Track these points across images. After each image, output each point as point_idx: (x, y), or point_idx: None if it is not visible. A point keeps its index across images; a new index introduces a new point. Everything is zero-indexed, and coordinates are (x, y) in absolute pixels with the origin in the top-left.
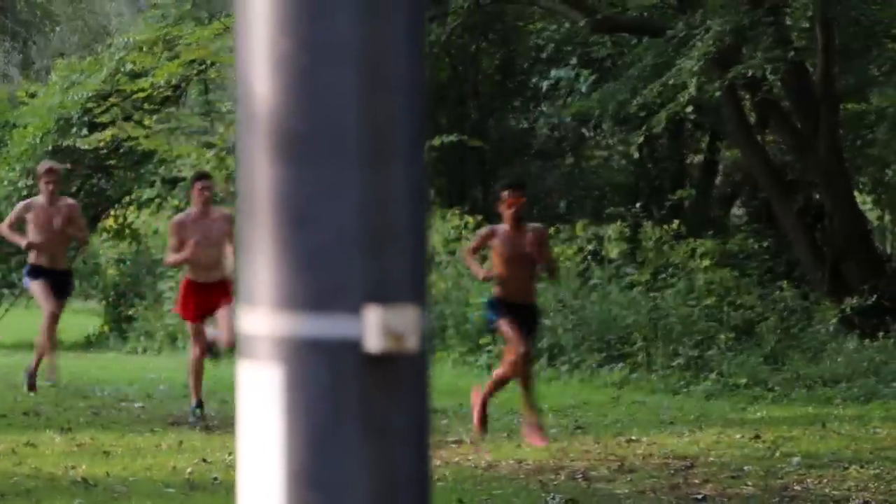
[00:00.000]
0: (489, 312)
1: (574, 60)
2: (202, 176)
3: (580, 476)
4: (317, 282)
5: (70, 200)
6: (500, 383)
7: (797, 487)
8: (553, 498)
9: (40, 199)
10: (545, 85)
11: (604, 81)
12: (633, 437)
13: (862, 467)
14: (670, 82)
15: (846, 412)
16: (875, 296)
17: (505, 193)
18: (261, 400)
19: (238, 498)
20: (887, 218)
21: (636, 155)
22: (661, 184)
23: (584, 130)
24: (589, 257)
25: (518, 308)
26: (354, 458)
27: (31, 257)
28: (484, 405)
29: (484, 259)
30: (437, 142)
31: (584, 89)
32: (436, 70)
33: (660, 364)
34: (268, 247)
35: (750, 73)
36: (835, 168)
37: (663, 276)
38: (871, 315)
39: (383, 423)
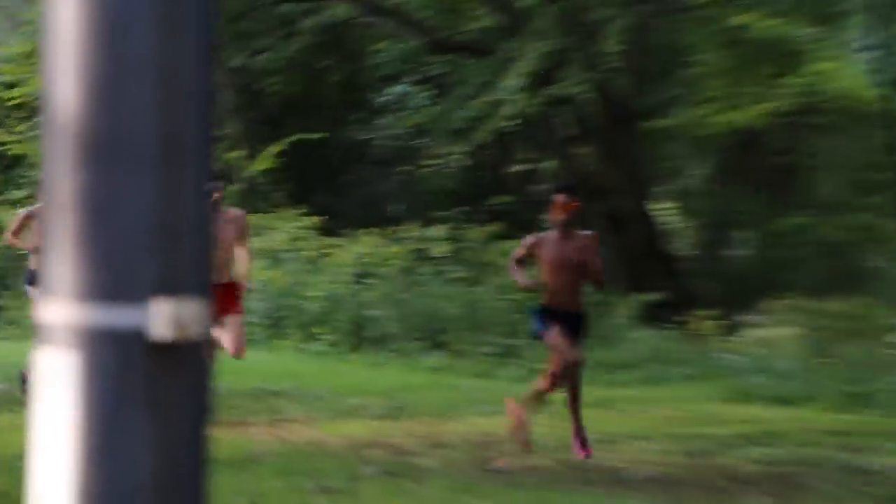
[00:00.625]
0: (535, 322)
1: (412, 77)
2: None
3: (397, 451)
4: (110, 276)
5: None
6: (540, 397)
7: (589, 461)
8: (370, 469)
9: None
10: (385, 99)
11: (438, 97)
12: (447, 417)
13: (647, 443)
14: (495, 98)
15: (636, 394)
16: (666, 292)
17: (557, 196)
18: (56, 383)
19: (32, 473)
20: (683, 223)
21: (464, 164)
22: (485, 190)
23: (419, 141)
24: (416, 256)
25: (566, 317)
26: (139, 437)
27: (33, 262)
28: (523, 424)
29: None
30: (279, 147)
31: (420, 104)
32: (287, 84)
33: (474, 352)
34: (67, 242)
35: (565, 92)
36: (636, 177)
37: (481, 273)
38: (662, 308)
39: (166, 406)
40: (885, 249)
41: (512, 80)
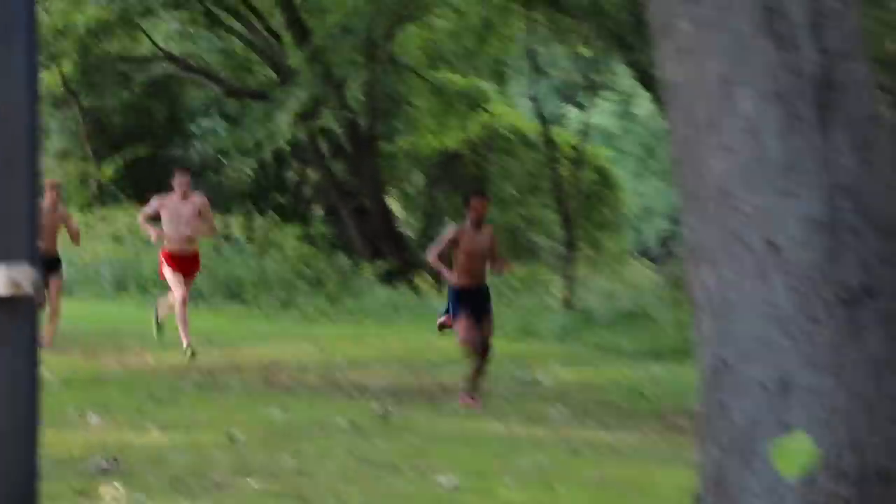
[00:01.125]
0: (451, 303)
1: (216, 113)
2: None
3: (207, 372)
4: None
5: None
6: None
7: (341, 378)
8: (187, 384)
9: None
10: (197, 128)
11: (234, 127)
12: (244, 347)
13: (384, 365)
14: (273, 129)
15: (377, 331)
16: (397, 261)
17: (473, 199)
18: None
19: None
20: (408, 214)
21: (253, 173)
22: (269, 191)
23: (222, 157)
24: (222, 236)
25: (474, 293)
26: None
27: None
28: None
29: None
30: (119, 162)
31: (221, 132)
32: (126, 118)
33: (264, 302)
34: None
35: (323, 124)
36: (376, 183)
37: (266, 248)
38: (394, 273)
39: (9, 341)
40: (544, 231)
41: (284, 116)
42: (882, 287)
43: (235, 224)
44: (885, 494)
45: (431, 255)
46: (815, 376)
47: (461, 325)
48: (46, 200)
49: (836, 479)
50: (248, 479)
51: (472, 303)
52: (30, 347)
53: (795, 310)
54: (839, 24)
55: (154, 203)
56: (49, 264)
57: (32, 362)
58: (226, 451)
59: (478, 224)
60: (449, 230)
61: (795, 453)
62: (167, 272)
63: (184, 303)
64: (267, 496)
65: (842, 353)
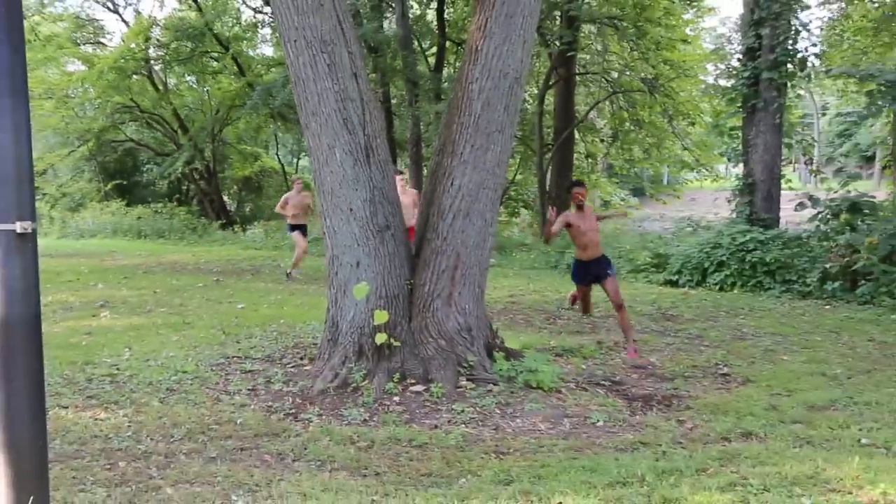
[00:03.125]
0: (573, 274)
1: (153, 161)
2: (578, 183)
3: (145, 267)
4: None
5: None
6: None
7: (202, 265)
8: (138, 272)
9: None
10: (146, 168)
11: (160, 166)
12: (163, 255)
13: (226, 262)
14: (175, 168)
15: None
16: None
17: (576, 188)
18: None
19: None
20: (231, 202)
21: (169, 185)
22: (176, 193)
23: (158, 180)
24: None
25: (592, 262)
26: None
27: (292, 220)
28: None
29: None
30: (112, 182)
31: (155, 169)
32: (116, 163)
33: (171, 235)
34: None
35: (195, 166)
36: (218, 191)
37: (173, 217)
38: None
39: (22, 253)
40: None
41: (179, 163)
42: (392, 225)
43: (162, 207)
44: (398, 305)
45: (547, 230)
46: (369, 260)
47: (581, 294)
48: (294, 190)
49: (379, 299)
50: (157, 310)
51: (589, 271)
52: (32, 258)
53: (361, 234)
54: (373, 124)
55: (562, 217)
56: (302, 228)
57: (34, 267)
58: (149, 298)
59: (580, 208)
60: (560, 217)
61: (362, 290)
62: None
63: None
64: (165, 314)
65: (379, 251)
